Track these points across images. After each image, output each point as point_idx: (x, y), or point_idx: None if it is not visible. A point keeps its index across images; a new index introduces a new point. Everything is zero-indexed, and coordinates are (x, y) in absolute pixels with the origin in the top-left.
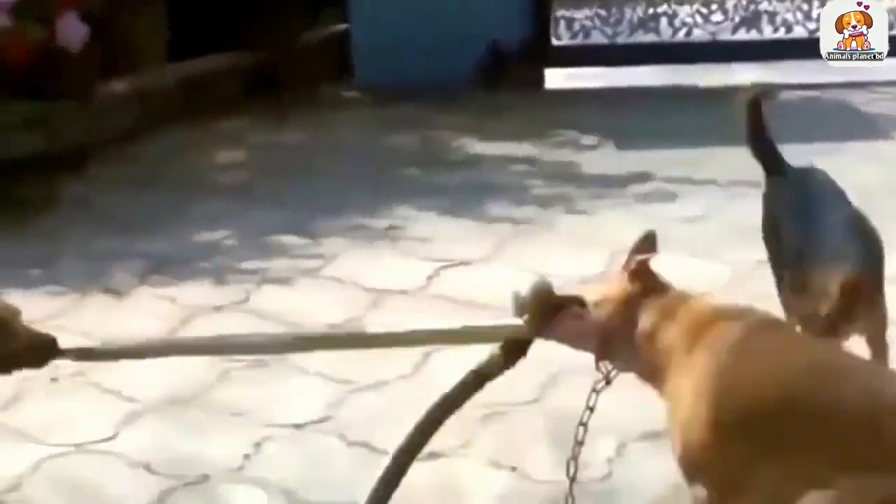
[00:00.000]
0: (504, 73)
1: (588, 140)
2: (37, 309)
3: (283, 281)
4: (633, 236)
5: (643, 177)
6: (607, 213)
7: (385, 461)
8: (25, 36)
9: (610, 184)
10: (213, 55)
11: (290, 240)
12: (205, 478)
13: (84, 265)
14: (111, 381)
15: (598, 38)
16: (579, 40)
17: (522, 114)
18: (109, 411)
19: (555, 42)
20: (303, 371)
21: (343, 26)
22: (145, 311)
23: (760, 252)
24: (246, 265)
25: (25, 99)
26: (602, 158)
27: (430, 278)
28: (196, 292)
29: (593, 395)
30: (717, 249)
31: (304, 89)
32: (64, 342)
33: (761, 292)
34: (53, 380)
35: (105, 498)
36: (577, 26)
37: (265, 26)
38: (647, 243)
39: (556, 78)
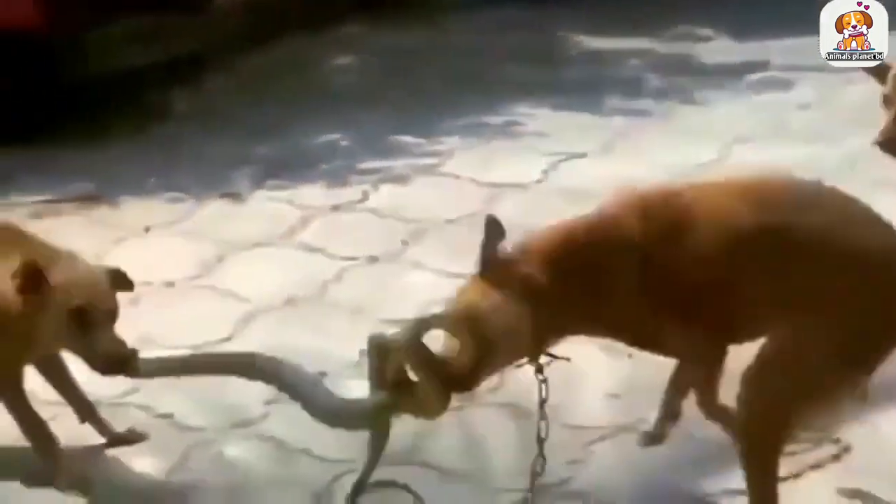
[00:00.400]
0: None
1: (704, 32)
2: (157, 214)
3: (400, 179)
4: (748, 125)
5: (759, 66)
6: (723, 103)
7: None
8: None
9: (726, 74)
10: None
11: (406, 140)
12: (322, 375)
13: (201, 171)
14: (227, 283)
15: None
16: None
17: (637, 8)
18: (226, 313)
19: None
20: (419, 266)
21: None
22: (263, 213)
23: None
24: (363, 165)
25: (142, 10)
26: (718, 50)
27: (546, 172)
28: (313, 193)
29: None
30: (831, 134)
31: None
32: (183, 247)
33: (877, 177)
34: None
35: (222, 398)
36: None
37: None
38: (494, 228)
39: None
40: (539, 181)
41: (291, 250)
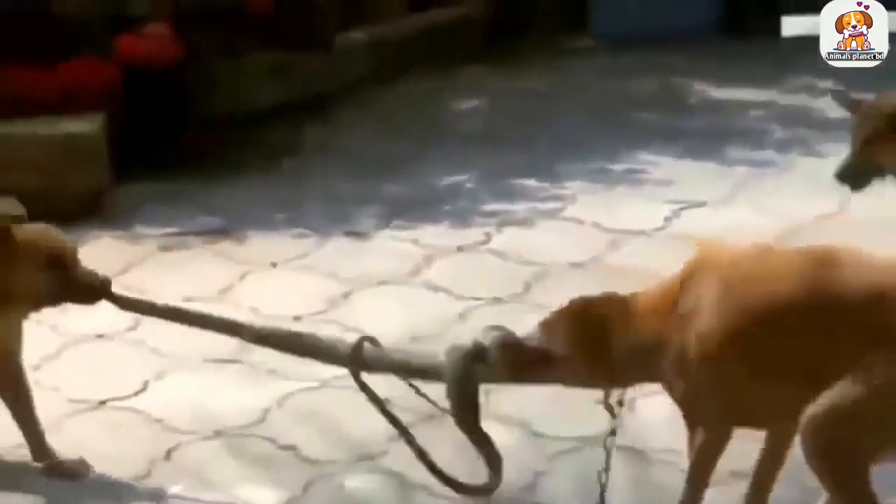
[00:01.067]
0: (741, 21)
1: (825, 85)
2: (283, 250)
3: (523, 222)
4: None
5: None
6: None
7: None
8: None
9: (847, 127)
10: (453, 4)
11: (529, 182)
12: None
13: (328, 208)
14: (353, 320)
15: None
16: None
17: (760, 60)
18: None
19: None
20: (543, 308)
21: None
22: (387, 252)
23: None
24: (487, 207)
25: (269, 47)
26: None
27: (668, 219)
28: (437, 234)
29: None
30: None
31: (540, 37)
32: (309, 283)
33: None
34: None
35: (347, 431)
36: None
37: None
38: None
39: (793, 25)
40: (660, 228)
41: (416, 289)
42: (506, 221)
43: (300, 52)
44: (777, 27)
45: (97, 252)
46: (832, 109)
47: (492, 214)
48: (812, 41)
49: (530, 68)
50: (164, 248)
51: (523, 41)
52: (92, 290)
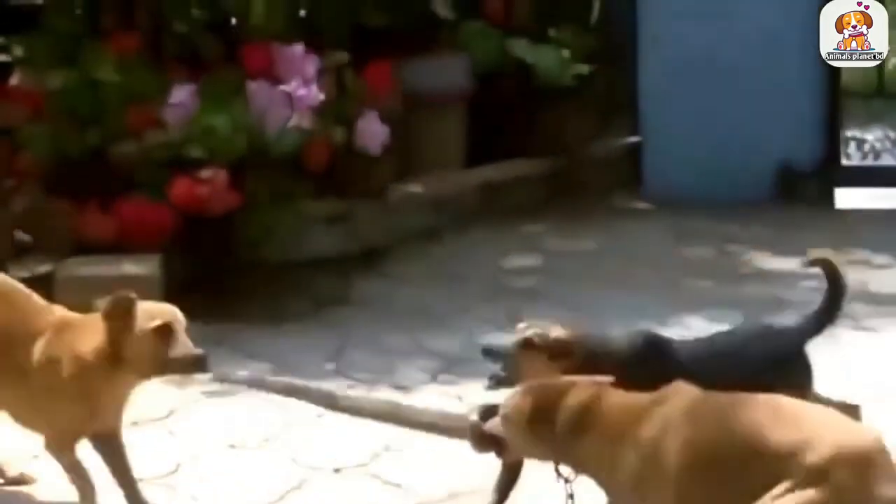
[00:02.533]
0: (795, 192)
1: (879, 259)
2: None
3: None
4: None
5: None
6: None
7: None
8: (328, 138)
9: None
10: (509, 161)
11: None
12: None
13: (375, 360)
14: (392, 473)
15: (888, 160)
16: (869, 161)
17: (814, 231)
18: None
19: (845, 162)
20: None
21: (635, 139)
22: (432, 407)
23: None
24: None
25: (325, 197)
26: (893, 278)
27: None
28: (482, 391)
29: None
30: None
31: (596, 197)
32: (353, 434)
33: None
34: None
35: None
36: (867, 147)
37: (559, 135)
38: None
39: (847, 197)
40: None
41: (457, 446)
42: None
43: (355, 202)
44: (831, 198)
45: (144, 394)
46: (883, 284)
47: None
48: (867, 214)
49: (585, 228)
50: (210, 394)
51: (579, 200)
52: (192, 362)
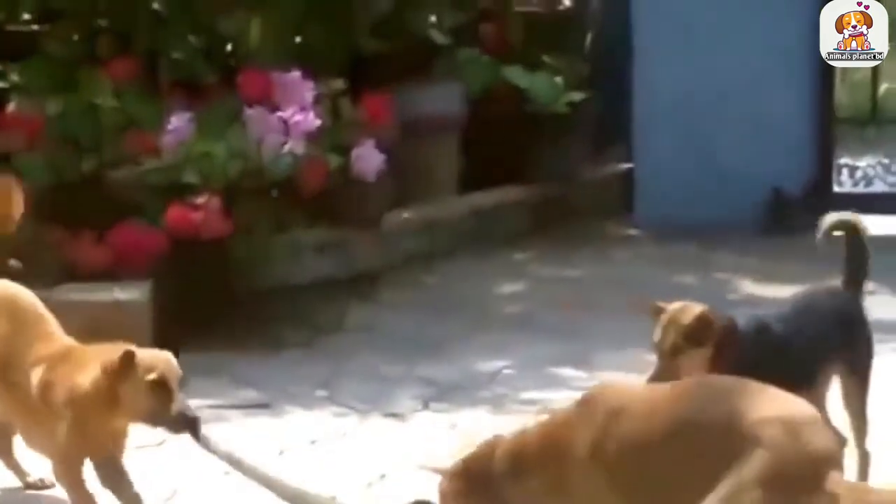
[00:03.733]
0: (786, 218)
1: (870, 286)
2: (321, 428)
3: None
4: None
5: None
6: (885, 356)
7: None
8: (325, 164)
9: (889, 329)
10: (501, 188)
11: (569, 372)
12: None
13: (368, 387)
14: (385, 502)
15: (879, 187)
16: (861, 188)
17: (804, 258)
18: None
19: (836, 189)
20: None
21: (626, 166)
22: (425, 435)
23: None
24: (524, 395)
25: (320, 224)
26: (881, 304)
27: None
28: (475, 419)
29: None
30: None
31: (588, 224)
32: (345, 463)
33: None
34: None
35: None
36: (859, 174)
37: (552, 161)
38: None
39: None
40: None
41: None
42: (543, 410)
43: (348, 229)
44: (820, 225)
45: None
46: (877, 312)
47: (530, 402)
48: None
49: (574, 255)
50: (203, 422)
51: (571, 226)
52: (182, 421)
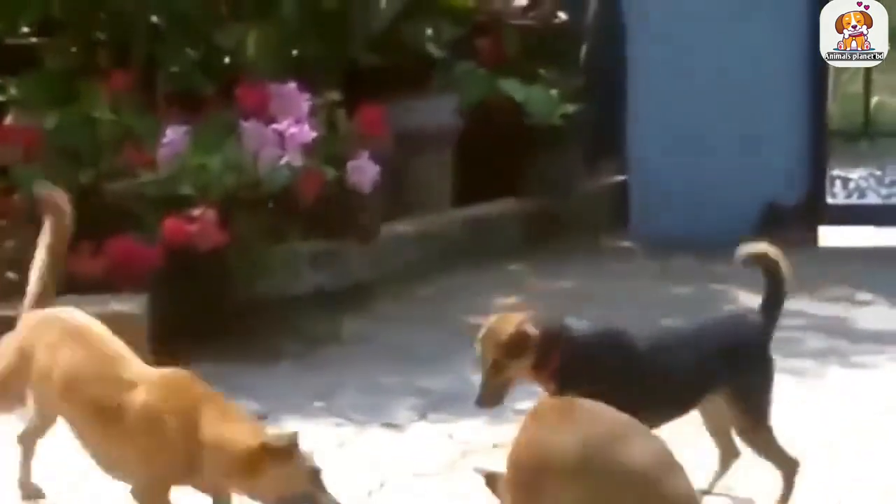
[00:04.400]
0: (779, 230)
1: (862, 297)
2: (319, 438)
3: None
4: None
5: None
6: (883, 367)
7: None
8: (321, 176)
9: (885, 340)
10: (496, 200)
11: None
12: None
13: (365, 398)
14: None
15: (872, 199)
16: (854, 200)
17: (797, 269)
18: None
19: (830, 201)
20: None
21: (620, 178)
22: (423, 445)
23: None
24: (521, 406)
25: (316, 236)
26: (877, 315)
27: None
28: (473, 429)
29: None
30: None
31: (583, 236)
32: (344, 473)
33: None
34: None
35: None
36: (851, 186)
37: (547, 174)
38: None
39: (831, 236)
40: None
41: (451, 484)
42: None
43: (344, 241)
44: (815, 236)
45: None
46: (867, 321)
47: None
48: (851, 252)
49: (569, 267)
50: None
51: (566, 238)
52: None
